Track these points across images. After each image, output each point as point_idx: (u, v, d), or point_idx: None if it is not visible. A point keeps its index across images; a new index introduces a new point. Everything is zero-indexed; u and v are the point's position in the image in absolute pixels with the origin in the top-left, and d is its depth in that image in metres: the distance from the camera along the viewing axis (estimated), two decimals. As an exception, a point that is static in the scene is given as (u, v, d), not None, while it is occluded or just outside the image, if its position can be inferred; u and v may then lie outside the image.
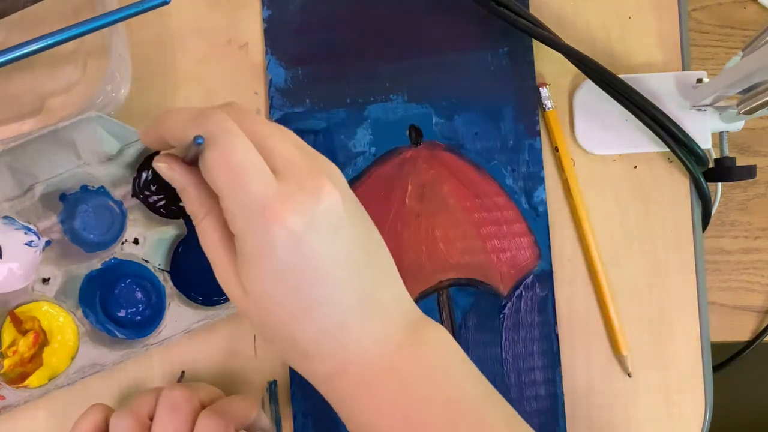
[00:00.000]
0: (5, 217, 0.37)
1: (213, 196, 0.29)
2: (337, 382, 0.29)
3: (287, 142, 0.29)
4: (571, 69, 0.40)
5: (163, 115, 0.29)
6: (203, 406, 0.34)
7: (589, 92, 0.41)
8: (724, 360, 0.67)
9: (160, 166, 0.30)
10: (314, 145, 0.40)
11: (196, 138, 0.25)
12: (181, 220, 0.39)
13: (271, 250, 0.26)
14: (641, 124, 0.39)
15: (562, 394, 0.40)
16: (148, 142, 0.31)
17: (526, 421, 0.40)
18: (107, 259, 0.38)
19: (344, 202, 0.28)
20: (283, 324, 0.28)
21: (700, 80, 0.41)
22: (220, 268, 0.29)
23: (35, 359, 0.38)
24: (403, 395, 0.29)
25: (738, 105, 0.38)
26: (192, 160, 0.29)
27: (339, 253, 0.28)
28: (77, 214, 0.39)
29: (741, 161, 0.40)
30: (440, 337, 0.31)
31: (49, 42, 0.35)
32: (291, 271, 0.27)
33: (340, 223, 0.28)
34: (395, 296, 0.30)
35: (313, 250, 0.27)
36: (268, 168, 0.27)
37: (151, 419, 0.33)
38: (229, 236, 0.29)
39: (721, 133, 0.42)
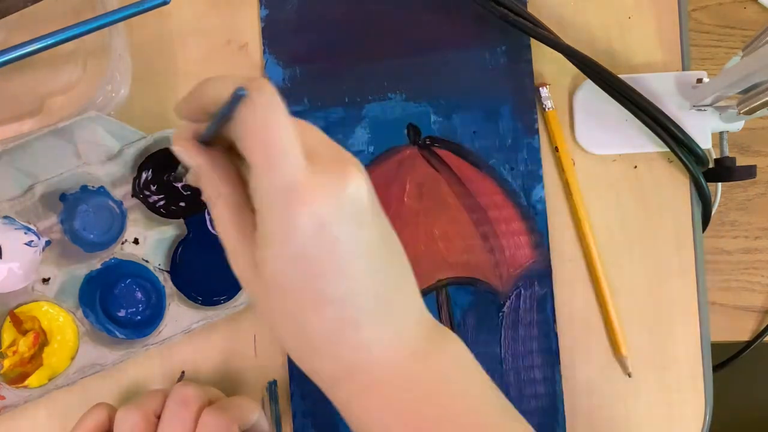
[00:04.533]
0: (5, 217, 0.37)
1: (226, 179, 0.28)
2: (343, 385, 0.28)
3: (313, 131, 0.29)
4: (571, 69, 0.40)
5: (203, 82, 0.28)
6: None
7: (589, 92, 0.41)
8: (724, 360, 0.67)
9: (177, 148, 0.29)
10: (314, 145, 0.40)
11: (237, 89, 0.23)
12: (181, 220, 0.39)
13: (292, 233, 0.25)
14: (641, 124, 0.39)
15: (562, 393, 0.40)
16: (185, 112, 0.29)
17: (526, 419, 0.40)
18: (107, 259, 0.38)
19: (369, 193, 0.27)
20: (293, 314, 0.27)
21: (700, 80, 0.41)
22: (231, 249, 0.28)
23: (35, 359, 0.38)
24: (415, 405, 0.27)
25: (738, 105, 0.38)
26: (214, 136, 0.28)
27: (361, 246, 0.26)
28: (77, 214, 0.39)
29: (741, 161, 0.40)
30: (456, 348, 0.30)
31: (49, 42, 0.35)
32: (310, 258, 0.26)
33: (364, 213, 0.27)
34: (411, 302, 0.29)
35: (336, 239, 0.26)
36: (300, 148, 0.25)
37: (158, 417, 0.33)
38: (243, 218, 0.28)
39: (721, 133, 0.42)
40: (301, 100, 0.41)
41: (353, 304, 0.27)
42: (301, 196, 0.25)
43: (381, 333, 0.28)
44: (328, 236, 0.25)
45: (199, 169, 0.29)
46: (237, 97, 0.24)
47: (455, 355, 0.29)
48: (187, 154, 0.28)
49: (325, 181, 0.26)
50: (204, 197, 0.29)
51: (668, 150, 0.40)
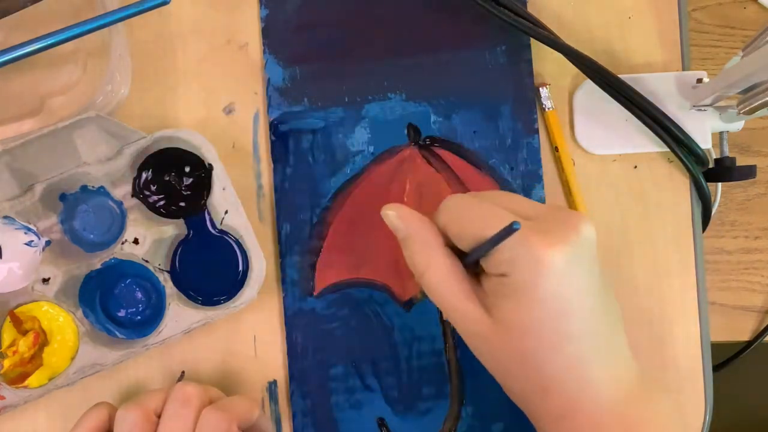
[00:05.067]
0: (5, 217, 0.37)
1: (436, 247, 0.31)
2: (567, 423, 0.29)
3: (526, 200, 0.32)
4: (571, 69, 0.40)
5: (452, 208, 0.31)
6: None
7: (589, 92, 0.41)
8: (724, 360, 0.67)
9: (390, 212, 0.32)
10: (312, 144, 0.40)
11: (513, 224, 0.26)
12: (181, 220, 0.39)
13: (539, 280, 0.28)
14: (641, 124, 0.39)
15: (562, 394, 0.40)
16: (413, 228, 0.32)
17: (526, 419, 0.40)
18: (107, 259, 0.38)
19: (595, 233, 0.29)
20: (531, 354, 0.29)
21: (700, 80, 0.41)
22: (453, 308, 0.31)
23: (35, 359, 0.38)
24: None
25: (738, 105, 0.38)
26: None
27: (593, 287, 0.29)
28: (77, 214, 0.39)
29: (741, 161, 0.40)
30: (665, 399, 0.31)
31: (49, 42, 0.35)
32: (554, 300, 0.28)
33: (594, 257, 0.29)
34: (624, 345, 0.31)
35: (577, 281, 0.28)
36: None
37: (158, 416, 0.33)
38: (459, 278, 0.31)
39: (721, 133, 0.42)
40: (301, 100, 0.41)
41: (587, 343, 0.29)
42: (542, 246, 0.28)
43: (604, 372, 0.29)
44: (570, 279, 0.28)
45: (412, 234, 0.31)
46: (513, 230, 0.27)
47: (664, 405, 0.31)
48: (400, 218, 0.32)
49: (559, 230, 0.28)
50: (410, 266, 0.32)
51: (668, 150, 0.40)
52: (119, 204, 0.39)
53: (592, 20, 0.42)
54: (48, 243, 0.38)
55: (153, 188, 0.39)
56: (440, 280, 0.31)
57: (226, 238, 0.39)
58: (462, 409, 0.39)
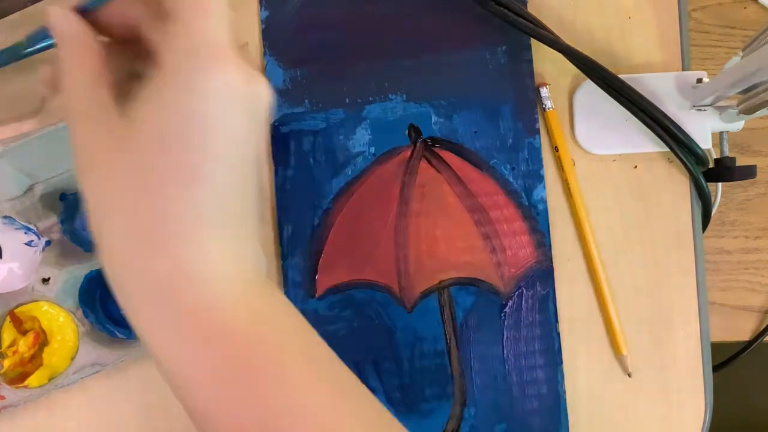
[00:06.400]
0: (5, 217, 0.37)
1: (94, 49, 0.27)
2: (183, 296, 0.25)
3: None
4: (571, 69, 0.40)
5: None
6: None
7: (589, 92, 0.41)
8: (724, 360, 0.67)
9: (51, 12, 0.26)
10: (313, 146, 0.40)
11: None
12: (182, 220, 0.39)
13: (201, 86, 0.23)
14: (641, 124, 0.39)
15: (564, 393, 0.40)
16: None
17: (529, 419, 0.40)
18: (107, 259, 0.38)
19: (268, 112, 0.26)
20: (155, 184, 0.23)
21: (700, 80, 0.41)
22: (82, 111, 0.26)
23: (35, 359, 0.38)
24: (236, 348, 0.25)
25: (738, 105, 0.38)
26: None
27: (248, 147, 0.25)
28: (77, 214, 0.39)
29: (741, 161, 0.40)
30: (285, 299, 0.27)
31: (49, 42, 0.35)
32: (208, 119, 0.23)
33: (261, 119, 0.25)
34: (254, 238, 0.26)
35: (233, 117, 0.24)
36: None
37: None
38: (103, 78, 0.26)
39: (721, 133, 0.42)
40: (302, 102, 0.41)
41: (217, 198, 0.24)
42: (224, 60, 0.24)
43: (225, 248, 0.24)
44: (230, 110, 0.24)
45: (68, 35, 0.27)
46: None
47: (285, 302, 0.27)
48: (61, 16, 0.26)
49: (245, 68, 0.25)
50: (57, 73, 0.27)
51: (668, 150, 0.40)
52: (119, 204, 0.39)
53: (592, 20, 0.42)
54: (48, 243, 0.38)
55: (153, 188, 0.39)
56: (87, 71, 0.27)
57: (227, 238, 0.39)
58: (465, 410, 0.39)
